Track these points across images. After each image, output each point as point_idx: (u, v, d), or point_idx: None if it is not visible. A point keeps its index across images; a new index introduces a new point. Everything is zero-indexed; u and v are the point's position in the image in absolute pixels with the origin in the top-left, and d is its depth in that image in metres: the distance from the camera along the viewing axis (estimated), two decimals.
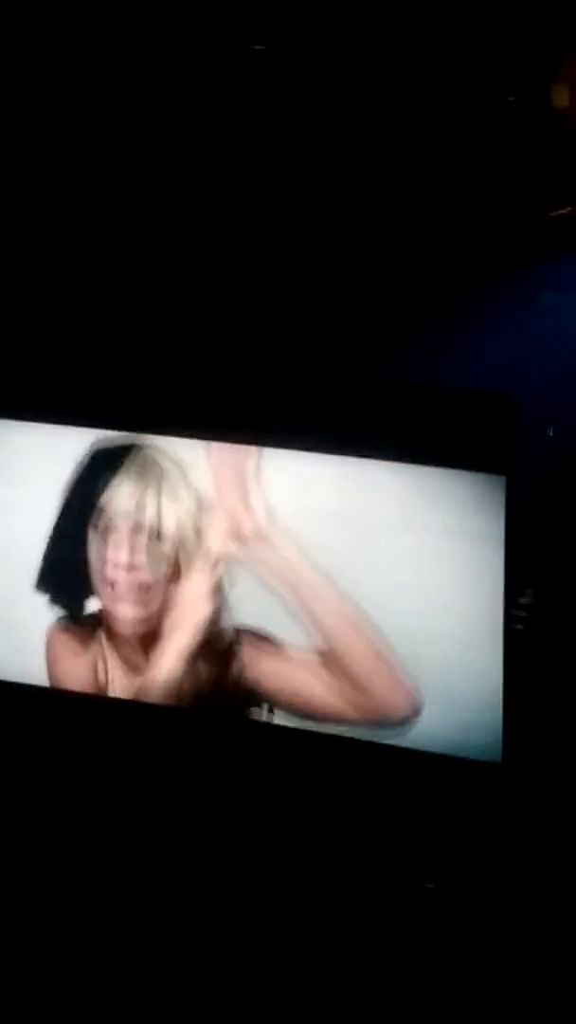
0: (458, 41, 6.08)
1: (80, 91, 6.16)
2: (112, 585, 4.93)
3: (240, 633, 4.83)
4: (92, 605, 5.01)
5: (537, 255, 6.15)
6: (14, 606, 5.09)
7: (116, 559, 4.91)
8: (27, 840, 4.81)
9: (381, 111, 6.10)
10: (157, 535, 4.87)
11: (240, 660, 4.84)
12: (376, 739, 4.69)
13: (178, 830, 4.78)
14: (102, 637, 5.01)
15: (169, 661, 4.91)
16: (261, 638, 4.80)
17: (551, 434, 4.81)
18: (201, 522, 4.83)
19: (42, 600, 5.08)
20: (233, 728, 4.84)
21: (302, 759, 4.78)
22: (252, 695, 4.85)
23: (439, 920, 4.43)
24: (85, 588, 5.00)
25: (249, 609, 4.82)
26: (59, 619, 5.06)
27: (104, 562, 4.93)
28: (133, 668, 4.98)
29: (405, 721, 4.66)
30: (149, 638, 4.94)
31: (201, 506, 4.83)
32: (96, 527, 4.94)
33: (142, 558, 4.87)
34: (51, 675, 5.11)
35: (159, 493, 4.88)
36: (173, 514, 4.86)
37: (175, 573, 4.86)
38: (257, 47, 6.19)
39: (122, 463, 4.92)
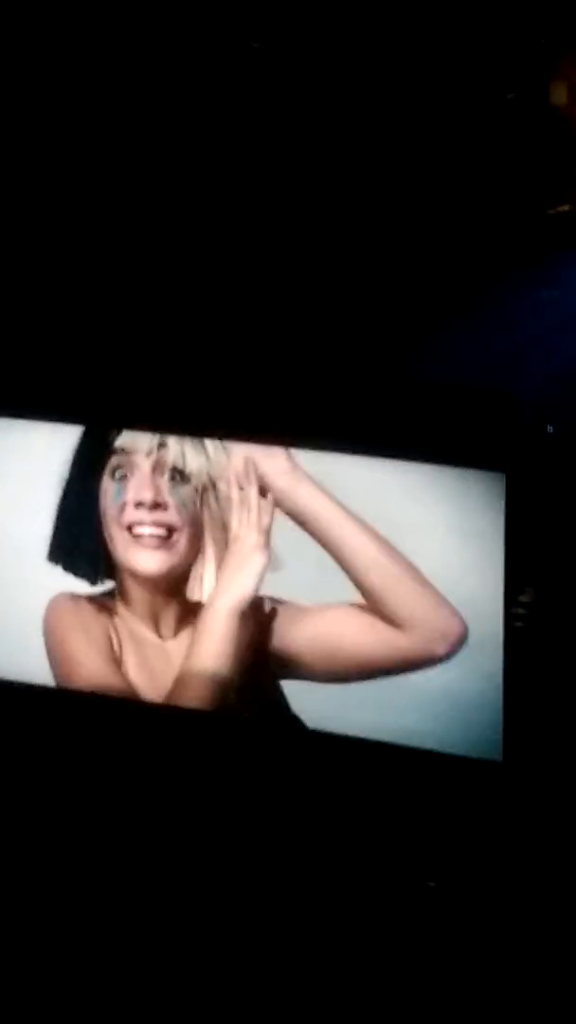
0: (456, 38, 6.08)
1: (76, 89, 6.16)
2: (131, 528, 4.68)
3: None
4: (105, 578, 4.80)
5: (536, 252, 6.15)
6: (14, 602, 5.03)
7: (139, 497, 4.64)
8: (29, 841, 4.80)
9: (379, 108, 6.10)
10: (181, 475, 4.64)
11: (268, 623, 4.67)
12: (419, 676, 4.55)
13: (175, 826, 4.77)
14: (117, 606, 4.78)
15: (214, 626, 4.67)
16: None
17: (551, 431, 4.80)
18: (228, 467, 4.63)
19: (50, 580, 4.89)
20: (235, 725, 4.82)
21: (302, 756, 4.77)
22: (281, 661, 4.69)
23: (440, 918, 4.42)
24: (98, 547, 4.75)
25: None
26: (67, 593, 4.84)
27: (122, 506, 4.67)
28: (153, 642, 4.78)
29: (455, 647, 4.50)
30: (173, 600, 4.74)
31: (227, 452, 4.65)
32: (112, 473, 4.71)
33: (167, 497, 4.63)
34: (56, 660, 4.90)
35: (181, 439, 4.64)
36: (197, 457, 4.62)
37: (200, 523, 4.64)
38: (254, 45, 6.19)
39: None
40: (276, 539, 4.60)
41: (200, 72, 6.14)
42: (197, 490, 4.63)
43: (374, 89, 6.08)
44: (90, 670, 4.80)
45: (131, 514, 4.65)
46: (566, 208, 6.52)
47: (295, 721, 4.73)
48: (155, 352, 5.35)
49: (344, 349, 5.42)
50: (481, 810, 4.57)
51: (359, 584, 4.54)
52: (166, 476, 4.63)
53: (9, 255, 6.01)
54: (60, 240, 6.08)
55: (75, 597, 4.82)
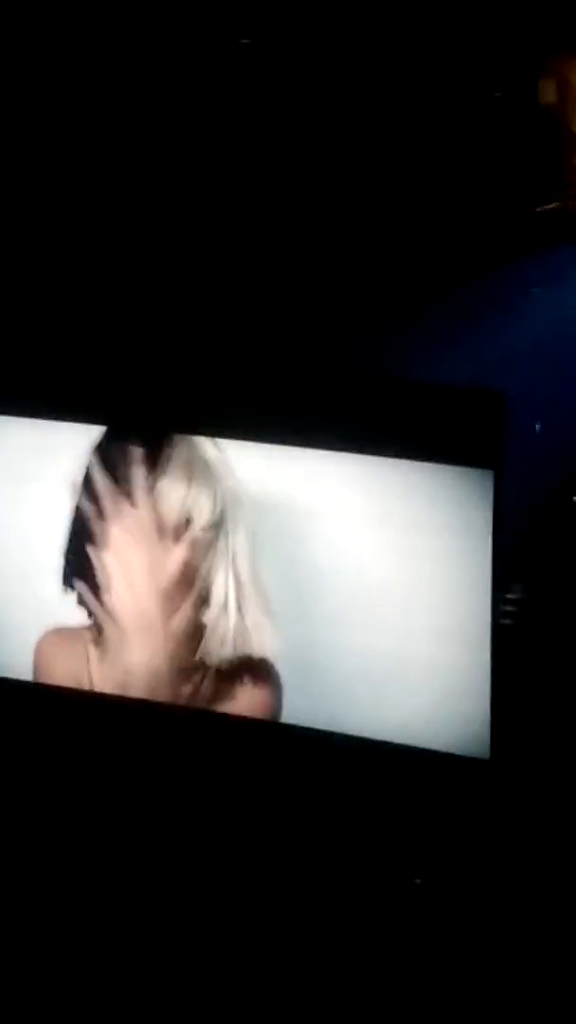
0: (445, 36, 6.08)
1: (69, 90, 6.15)
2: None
3: None
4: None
5: (524, 250, 6.15)
6: (14, 604, 5.05)
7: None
8: (29, 842, 4.80)
9: (367, 106, 6.09)
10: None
11: None
12: None
13: (164, 826, 4.77)
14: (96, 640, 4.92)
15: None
16: None
17: (538, 429, 4.80)
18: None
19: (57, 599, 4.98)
20: (218, 725, 4.83)
21: (288, 755, 4.76)
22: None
23: (427, 916, 4.43)
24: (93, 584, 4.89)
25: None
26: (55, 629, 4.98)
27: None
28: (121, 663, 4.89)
29: None
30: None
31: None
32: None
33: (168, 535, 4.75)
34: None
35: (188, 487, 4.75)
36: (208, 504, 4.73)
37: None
38: (244, 41, 6.18)
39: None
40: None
41: (191, 68, 6.13)
42: (208, 532, 4.72)
43: (363, 87, 6.08)
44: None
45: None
46: (555, 206, 6.52)
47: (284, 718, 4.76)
48: (149, 355, 5.34)
49: (331, 347, 5.42)
50: (468, 807, 4.57)
51: None
52: (174, 526, 4.72)
53: (14, 260, 5.99)
54: (62, 245, 6.07)
55: (62, 632, 4.93)
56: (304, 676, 4.73)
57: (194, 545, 4.72)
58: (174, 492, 4.74)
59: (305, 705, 4.74)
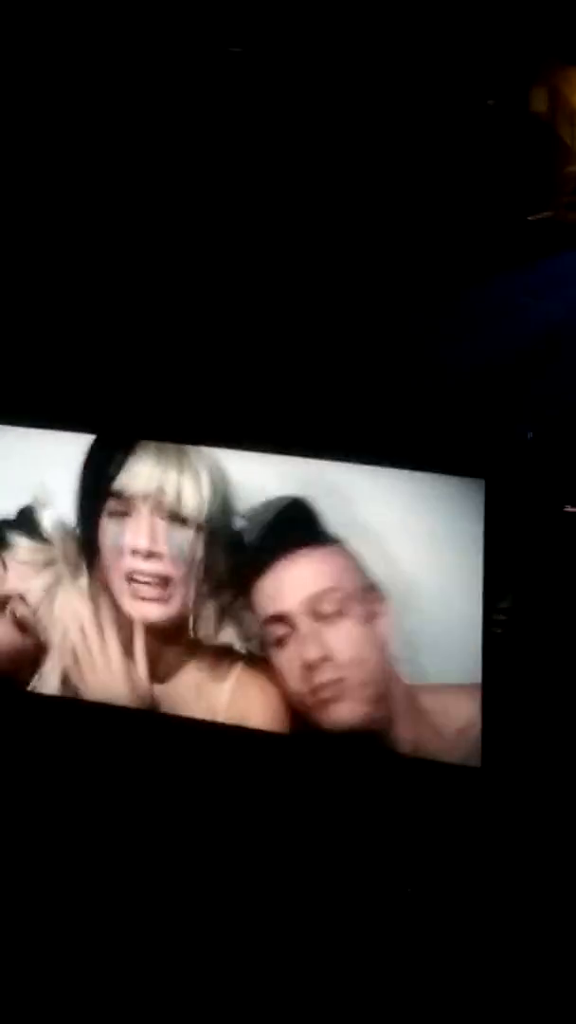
0: (437, 46, 6.09)
1: (62, 100, 6.16)
2: (129, 577, 4.71)
3: None
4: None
5: (517, 259, 6.16)
6: None
7: (135, 544, 4.67)
8: (31, 846, 4.80)
9: (360, 114, 6.11)
10: (179, 519, 4.66)
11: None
12: None
13: (158, 833, 4.77)
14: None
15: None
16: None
17: (530, 437, 4.80)
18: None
19: None
20: (214, 734, 4.82)
21: (281, 764, 4.76)
22: None
23: (418, 924, 4.43)
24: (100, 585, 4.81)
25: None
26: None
27: (121, 550, 4.71)
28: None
29: None
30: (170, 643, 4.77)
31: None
32: (111, 513, 4.74)
33: (162, 545, 4.66)
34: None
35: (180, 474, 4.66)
36: (194, 496, 4.64)
37: (196, 566, 4.66)
38: (235, 50, 6.19)
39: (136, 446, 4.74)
40: None
41: (183, 76, 6.14)
42: (195, 530, 4.65)
43: (355, 95, 6.09)
44: None
45: (129, 562, 4.69)
46: (547, 215, 6.54)
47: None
48: (153, 364, 5.35)
49: (323, 356, 5.43)
50: (460, 816, 4.57)
51: None
52: (163, 519, 4.66)
53: (16, 268, 6.00)
54: (64, 254, 6.07)
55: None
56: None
57: (183, 552, 4.68)
58: (163, 480, 4.72)
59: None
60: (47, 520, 4.90)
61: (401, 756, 4.60)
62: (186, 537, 4.67)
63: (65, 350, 5.32)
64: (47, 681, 4.99)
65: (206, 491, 4.66)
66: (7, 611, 4.95)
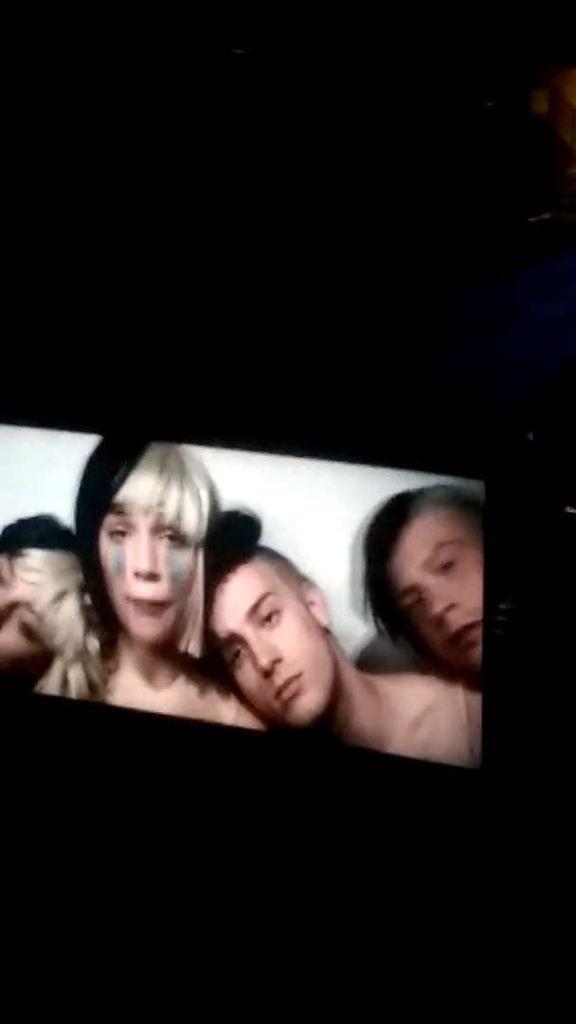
0: (438, 47, 6.09)
1: (62, 94, 6.15)
2: (129, 596, 4.82)
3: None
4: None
5: (518, 261, 6.16)
6: None
7: (136, 567, 4.77)
8: (32, 848, 4.80)
9: (360, 116, 6.10)
10: (178, 537, 4.74)
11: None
12: None
13: (157, 837, 4.77)
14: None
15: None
16: None
17: (530, 439, 4.80)
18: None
19: None
20: (214, 737, 4.83)
21: (280, 766, 4.76)
22: None
23: (419, 924, 4.42)
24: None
25: None
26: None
27: (122, 571, 4.80)
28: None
29: None
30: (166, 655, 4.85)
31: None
32: (111, 534, 4.82)
33: (161, 568, 4.75)
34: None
35: (181, 489, 4.74)
36: (193, 512, 4.72)
37: (192, 583, 4.74)
38: (237, 51, 6.19)
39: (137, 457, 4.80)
40: None
41: (184, 78, 6.14)
42: (191, 549, 4.72)
43: (356, 97, 6.09)
44: None
45: (130, 583, 4.77)
46: (547, 216, 6.54)
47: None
48: (143, 367, 5.34)
49: (323, 358, 5.42)
50: (460, 817, 4.56)
51: None
52: (163, 539, 4.74)
53: (17, 269, 5.99)
54: (52, 260, 6.07)
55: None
56: None
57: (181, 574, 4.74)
58: (164, 497, 4.74)
59: None
60: (52, 529, 4.93)
61: (400, 758, 4.60)
62: (184, 556, 4.72)
63: (65, 353, 5.31)
64: (51, 685, 5.02)
65: (206, 509, 4.69)
66: (14, 617, 4.98)
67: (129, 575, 4.80)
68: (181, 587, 4.74)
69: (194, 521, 4.73)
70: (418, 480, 4.53)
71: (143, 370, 5.16)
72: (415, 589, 4.50)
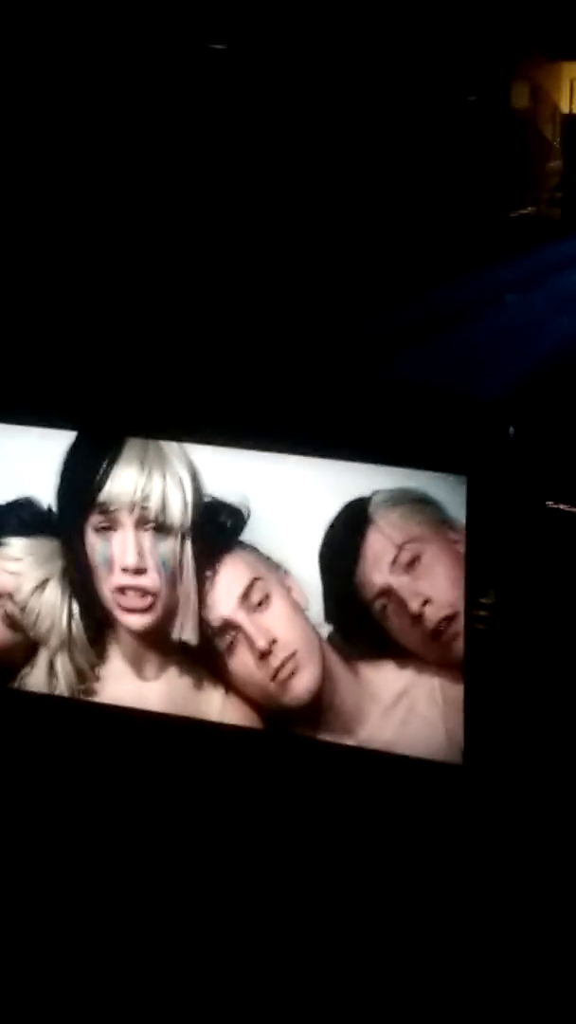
0: (419, 41, 6.09)
1: (46, 87, 6.13)
2: (118, 589, 4.81)
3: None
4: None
5: (498, 255, 6.17)
6: None
7: (123, 562, 4.77)
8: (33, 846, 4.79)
9: (340, 111, 6.10)
10: (162, 528, 4.74)
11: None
12: None
13: (153, 826, 4.77)
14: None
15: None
16: None
17: (512, 434, 4.80)
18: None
19: None
20: (197, 734, 4.83)
21: (263, 761, 4.76)
22: None
23: (401, 921, 4.43)
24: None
25: None
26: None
27: (110, 566, 4.80)
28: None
29: None
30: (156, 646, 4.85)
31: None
32: (96, 529, 4.81)
33: (148, 560, 4.76)
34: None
35: (163, 478, 4.75)
36: (176, 503, 4.73)
37: (179, 572, 4.75)
38: (217, 47, 6.18)
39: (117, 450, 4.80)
40: None
41: (165, 74, 6.13)
42: (177, 538, 4.73)
43: (335, 92, 6.08)
44: None
45: (118, 577, 4.79)
46: (529, 211, 6.55)
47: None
48: (125, 361, 5.33)
49: (306, 352, 5.41)
50: (441, 813, 4.57)
51: None
52: (148, 532, 4.74)
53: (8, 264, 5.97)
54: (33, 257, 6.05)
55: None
56: None
57: (167, 563, 4.75)
58: (148, 490, 4.75)
59: None
60: (32, 513, 4.92)
61: (381, 753, 4.61)
62: (170, 547, 4.74)
63: (40, 348, 5.30)
64: (36, 677, 5.01)
65: (189, 497, 4.71)
66: None
67: (117, 570, 4.79)
68: (170, 576, 4.75)
69: (179, 510, 4.73)
70: (398, 475, 4.52)
71: (120, 365, 5.15)
72: (387, 591, 4.53)
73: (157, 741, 4.88)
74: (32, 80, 6.02)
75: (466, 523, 4.45)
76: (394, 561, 4.51)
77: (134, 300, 5.86)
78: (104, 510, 4.79)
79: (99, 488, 4.80)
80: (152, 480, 4.75)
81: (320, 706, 4.68)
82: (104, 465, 4.80)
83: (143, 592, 4.78)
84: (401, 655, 4.57)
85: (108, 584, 4.82)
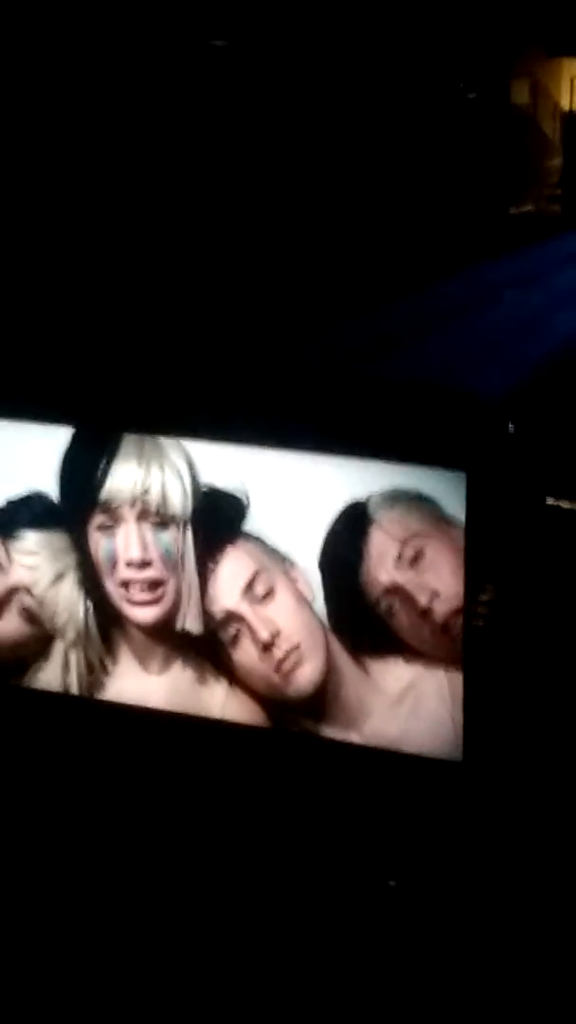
0: (418, 38, 6.09)
1: (42, 83, 6.13)
2: (124, 585, 4.82)
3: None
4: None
5: (498, 252, 6.16)
6: None
7: (128, 557, 4.78)
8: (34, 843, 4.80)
9: (339, 107, 6.10)
10: (164, 520, 4.75)
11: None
12: None
13: (152, 820, 4.78)
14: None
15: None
16: None
17: (511, 430, 4.80)
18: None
19: None
20: (197, 730, 4.83)
21: (264, 757, 4.76)
22: None
23: (400, 917, 4.42)
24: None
25: None
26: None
27: (114, 562, 4.81)
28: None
29: None
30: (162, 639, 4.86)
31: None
32: (99, 527, 4.82)
33: (152, 552, 4.76)
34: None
35: (162, 471, 4.76)
36: (176, 494, 4.73)
37: (182, 561, 4.75)
38: (218, 43, 6.18)
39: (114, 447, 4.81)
40: None
41: (164, 70, 6.13)
42: (178, 528, 4.74)
43: (335, 89, 6.08)
44: None
45: (123, 572, 4.80)
46: (529, 208, 6.54)
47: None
48: (124, 358, 5.33)
49: (303, 347, 5.42)
50: (441, 809, 4.57)
51: None
52: (150, 525, 4.75)
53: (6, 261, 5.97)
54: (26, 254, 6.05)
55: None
56: None
57: (170, 552, 4.76)
58: (148, 483, 4.76)
59: None
60: (44, 506, 4.94)
61: (381, 750, 4.61)
62: (172, 536, 4.75)
63: (36, 344, 5.30)
64: (50, 671, 5.03)
65: (188, 485, 4.71)
66: (14, 603, 4.99)
67: (122, 565, 4.81)
68: (173, 565, 4.75)
69: (179, 500, 4.74)
70: (396, 472, 4.52)
71: (115, 361, 5.16)
72: (394, 589, 4.53)
73: (162, 737, 4.89)
74: (32, 77, 6.02)
75: (465, 519, 4.44)
76: (398, 557, 4.51)
77: (133, 300, 5.86)
78: (106, 508, 4.80)
79: (99, 486, 4.81)
80: (151, 473, 4.76)
81: (324, 699, 4.68)
82: (103, 462, 4.81)
83: (150, 584, 4.79)
84: (409, 653, 4.57)
85: (114, 580, 4.82)
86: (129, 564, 4.79)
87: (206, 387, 4.90)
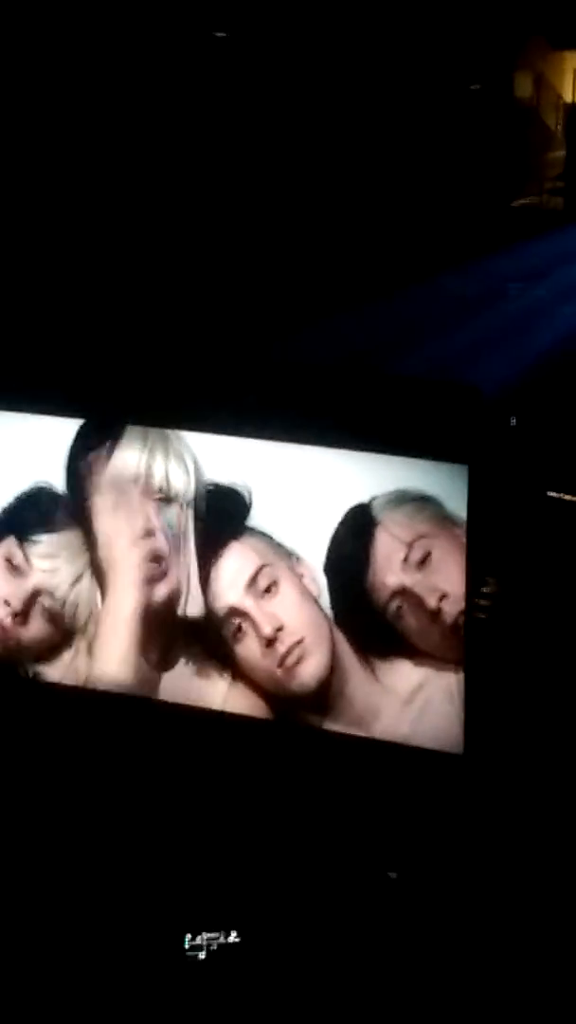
0: (422, 30, 6.08)
1: (42, 77, 6.13)
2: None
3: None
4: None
5: (500, 245, 6.16)
6: None
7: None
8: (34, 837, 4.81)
9: (342, 99, 6.09)
10: (167, 498, 4.77)
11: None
12: None
13: (153, 813, 4.78)
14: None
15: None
16: None
17: (513, 423, 4.81)
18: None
19: None
20: (197, 720, 4.83)
21: (265, 750, 4.77)
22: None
23: (401, 909, 4.43)
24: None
25: None
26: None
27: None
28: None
29: None
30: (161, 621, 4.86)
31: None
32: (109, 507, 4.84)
33: (155, 522, 4.78)
34: None
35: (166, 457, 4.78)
36: (179, 476, 4.75)
37: (184, 540, 4.77)
38: (219, 35, 6.18)
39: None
40: None
41: (166, 62, 6.12)
42: (181, 508, 4.75)
43: (337, 81, 6.08)
44: None
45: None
46: (531, 201, 6.54)
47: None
48: (131, 352, 5.33)
49: (305, 339, 5.42)
50: (442, 802, 4.57)
51: None
52: (153, 501, 4.77)
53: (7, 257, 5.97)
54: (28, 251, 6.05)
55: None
56: None
57: (172, 527, 4.77)
58: (152, 466, 4.78)
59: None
60: (53, 500, 4.95)
61: (383, 743, 4.61)
62: (174, 513, 4.77)
63: (40, 338, 5.31)
64: (72, 666, 5.04)
65: (191, 468, 4.73)
66: (37, 606, 5.01)
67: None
68: (176, 543, 4.77)
69: (182, 481, 4.76)
70: (399, 466, 4.52)
71: (121, 355, 5.16)
72: (402, 591, 4.53)
73: (167, 730, 4.89)
74: (32, 74, 6.02)
75: (467, 512, 4.44)
76: (405, 560, 4.52)
77: (133, 299, 5.86)
78: (112, 490, 4.82)
79: (106, 473, 4.82)
80: (155, 459, 4.78)
81: (329, 694, 4.68)
82: (107, 448, 4.81)
83: (154, 557, 4.79)
84: (417, 654, 4.57)
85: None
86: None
87: (210, 380, 4.90)
